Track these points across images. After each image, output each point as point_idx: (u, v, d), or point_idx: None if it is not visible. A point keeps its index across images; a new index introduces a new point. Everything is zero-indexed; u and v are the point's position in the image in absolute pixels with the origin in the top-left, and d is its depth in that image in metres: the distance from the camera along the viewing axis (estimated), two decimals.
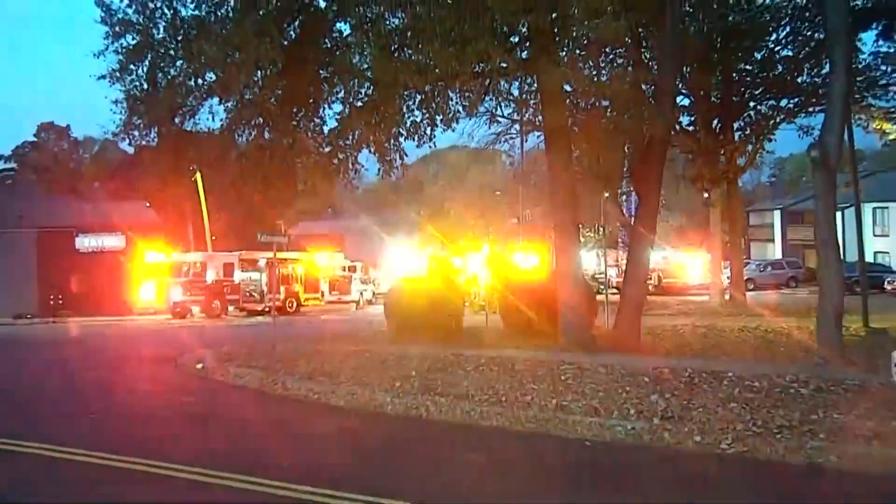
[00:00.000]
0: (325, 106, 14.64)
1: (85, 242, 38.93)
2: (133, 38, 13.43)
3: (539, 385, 10.49)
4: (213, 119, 14.44)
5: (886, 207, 48.23)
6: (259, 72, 12.77)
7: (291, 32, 13.59)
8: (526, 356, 13.04)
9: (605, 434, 8.47)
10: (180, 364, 15.11)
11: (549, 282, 16.01)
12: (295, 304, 33.31)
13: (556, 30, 12.58)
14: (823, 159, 12.09)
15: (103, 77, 13.53)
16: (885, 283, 33.64)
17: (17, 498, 6.51)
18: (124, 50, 13.44)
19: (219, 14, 13.17)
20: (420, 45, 12.06)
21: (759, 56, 24.80)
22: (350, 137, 14.03)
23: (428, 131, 14.11)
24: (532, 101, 17.42)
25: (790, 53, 24.47)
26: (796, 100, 25.04)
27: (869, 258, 32.48)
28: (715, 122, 26.32)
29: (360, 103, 13.71)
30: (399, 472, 7.35)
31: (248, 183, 14.46)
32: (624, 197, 30.57)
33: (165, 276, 32.01)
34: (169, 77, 13.70)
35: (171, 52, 13.54)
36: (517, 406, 9.59)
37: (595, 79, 14.75)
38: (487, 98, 15.99)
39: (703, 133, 25.60)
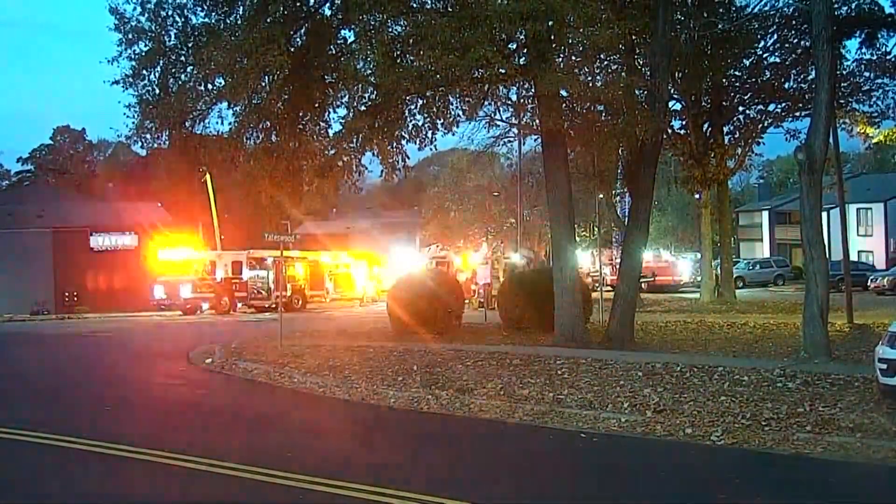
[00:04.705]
0: (330, 110, 15.05)
1: (99, 241, 39.31)
2: (145, 45, 13.75)
3: (536, 379, 10.76)
4: (223, 122, 14.82)
5: (870, 208, 48.74)
6: (266, 77, 13.01)
7: (298, 39, 13.87)
8: (523, 351, 13.37)
9: (599, 426, 8.64)
10: (191, 358, 15.27)
11: (546, 279, 16.32)
12: (301, 301, 33.45)
13: (552, 37, 12.84)
14: (809, 162, 12.46)
15: (117, 82, 13.87)
16: (869, 281, 34.04)
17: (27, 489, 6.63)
18: (137, 56, 13.77)
19: (228, 22, 13.51)
20: (421, 52, 12.31)
21: (747, 62, 25.09)
22: (354, 140, 14.29)
23: (429, 134, 14.53)
24: (529, 106, 17.66)
25: (777, 60, 24.86)
26: (783, 105, 25.34)
27: (853, 257, 32.84)
28: (705, 125, 26.61)
29: (363, 108, 14.00)
30: (403, 463, 7.52)
31: (255, 184, 14.73)
32: (618, 197, 31.02)
33: (176, 274, 32.24)
34: (180, 82, 14.00)
35: (182, 59, 13.85)
36: (515, 399, 9.80)
37: (590, 84, 15.06)
38: (486, 102, 16.35)
39: (694, 136, 25.87)
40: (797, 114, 24.88)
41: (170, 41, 13.80)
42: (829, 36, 12.79)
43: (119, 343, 20.19)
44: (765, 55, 24.97)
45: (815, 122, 12.79)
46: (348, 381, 11.61)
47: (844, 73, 22.20)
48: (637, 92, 14.56)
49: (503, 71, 13.15)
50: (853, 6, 20.06)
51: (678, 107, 25.45)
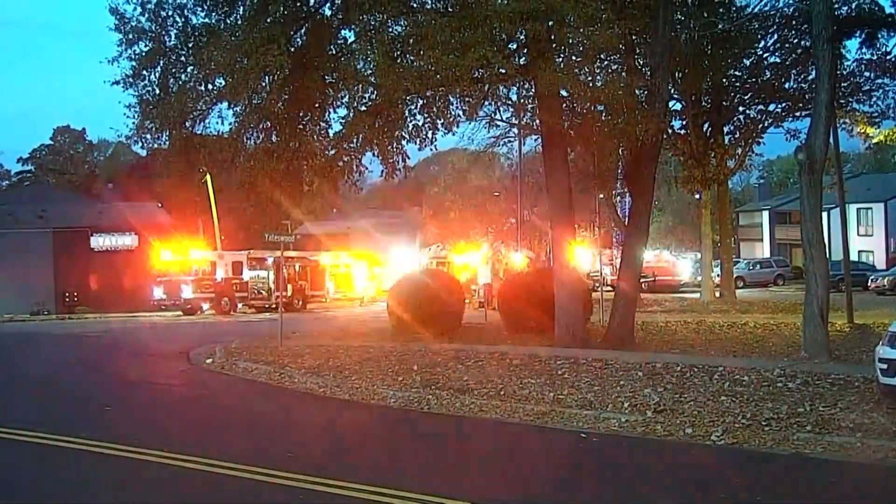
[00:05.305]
0: (331, 110, 15.03)
1: (99, 241, 39.35)
2: (146, 45, 13.78)
3: (536, 379, 10.78)
4: (223, 123, 14.84)
5: (870, 208, 48.76)
6: (267, 77, 13.01)
7: (298, 39, 13.88)
8: (523, 351, 13.38)
9: (599, 426, 8.65)
10: (192, 358, 15.25)
11: (546, 279, 16.33)
12: (301, 301, 33.62)
13: (552, 37, 12.84)
14: (810, 162, 12.48)
15: (117, 83, 13.89)
16: (869, 281, 34.05)
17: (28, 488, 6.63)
18: (137, 56, 13.80)
19: (228, 22, 13.53)
20: (422, 52, 12.32)
21: (747, 62, 25.12)
22: (354, 140, 14.31)
23: (429, 134, 14.54)
24: (530, 106, 17.66)
25: (777, 60, 24.90)
26: (783, 105, 25.37)
27: (853, 257, 32.88)
28: (706, 125, 26.62)
29: (364, 108, 14.01)
30: (403, 463, 7.54)
31: (255, 184, 14.74)
32: (618, 198, 30.93)
33: (177, 274, 32.30)
34: (180, 82, 14.02)
35: (183, 59, 13.88)
36: (515, 399, 9.81)
37: (590, 84, 15.00)
38: (487, 102, 16.34)
39: (694, 136, 25.86)
40: (797, 114, 24.92)
41: (170, 41, 13.83)
42: (829, 36, 12.82)
43: (119, 343, 20.20)
44: (765, 55, 25.00)
45: (815, 122, 12.82)
46: (348, 381, 11.61)
47: (844, 73, 22.21)
48: (637, 92, 14.53)
49: (503, 71, 13.15)
50: (853, 6, 20.12)
51: (678, 107, 25.43)
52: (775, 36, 24.11)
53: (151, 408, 10.75)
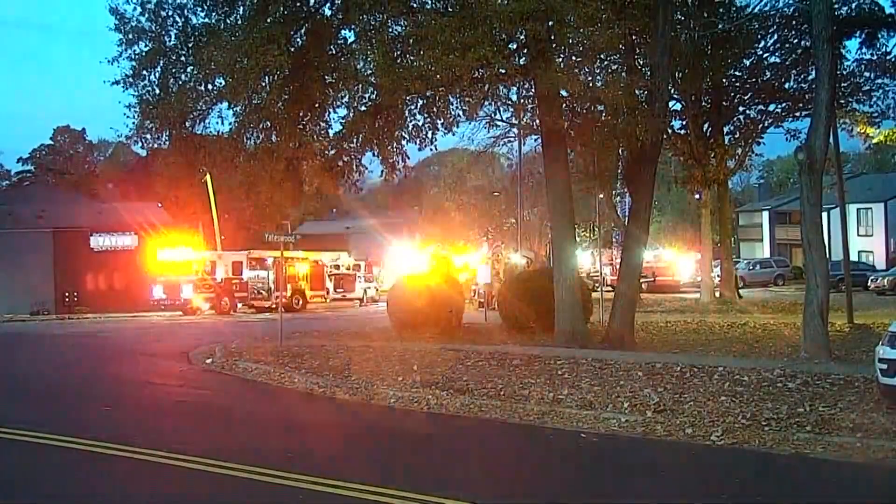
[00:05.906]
0: (331, 110, 15.06)
1: (99, 241, 39.34)
2: (146, 46, 13.80)
3: (536, 379, 10.79)
4: (223, 123, 14.86)
5: (870, 208, 48.74)
6: (266, 77, 13.04)
7: (298, 39, 13.90)
8: (523, 351, 13.39)
9: (599, 426, 8.64)
10: (191, 358, 15.23)
11: (546, 279, 16.34)
12: (301, 302, 33.61)
13: (552, 37, 12.85)
14: (810, 162, 12.50)
15: (117, 83, 13.90)
16: (869, 281, 34.04)
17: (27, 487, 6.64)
18: (137, 56, 13.81)
19: (228, 22, 13.53)
20: (422, 52, 12.34)
21: (747, 63, 25.17)
22: (354, 140, 14.37)
23: (429, 135, 14.60)
24: (529, 106, 17.65)
25: (777, 60, 24.94)
26: (784, 105, 25.41)
27: (853, 257, 32.89)
28: (706, 125, 26.65)
29: (364, 108, 14.05)
30: (403, 463, 7.53)
31: (255, 184, 14.75)
32: (618, 198, 30.99)
33: (177, 275, 32.31)
34: (180, 82, 14.03)
35: (183, 59, 13.89)
36: (515, 399, 9.81)
37: (590, 84, 15.01)
38: (487, 103, 16.35)
39: (694, 136, 25.87)
40: (797, 114, 24.95)
41: (170, 41, 13.86)
42: (829, 36, 12.85)
43: (119, 343, 20.18)
44: (765, 55, 25.03)
45: (815, 122, 12.84)
46: (348, 381, 11.61)
47: (844, 73, 22.23)
48: (637, 92, 14.55)
49: (503, 71, 13.17)
50: (853, 6, 20.17)
51: (678, 107, 25.45)
52: (775, 36, 24.15)
53: (151, 408, 10.74)
